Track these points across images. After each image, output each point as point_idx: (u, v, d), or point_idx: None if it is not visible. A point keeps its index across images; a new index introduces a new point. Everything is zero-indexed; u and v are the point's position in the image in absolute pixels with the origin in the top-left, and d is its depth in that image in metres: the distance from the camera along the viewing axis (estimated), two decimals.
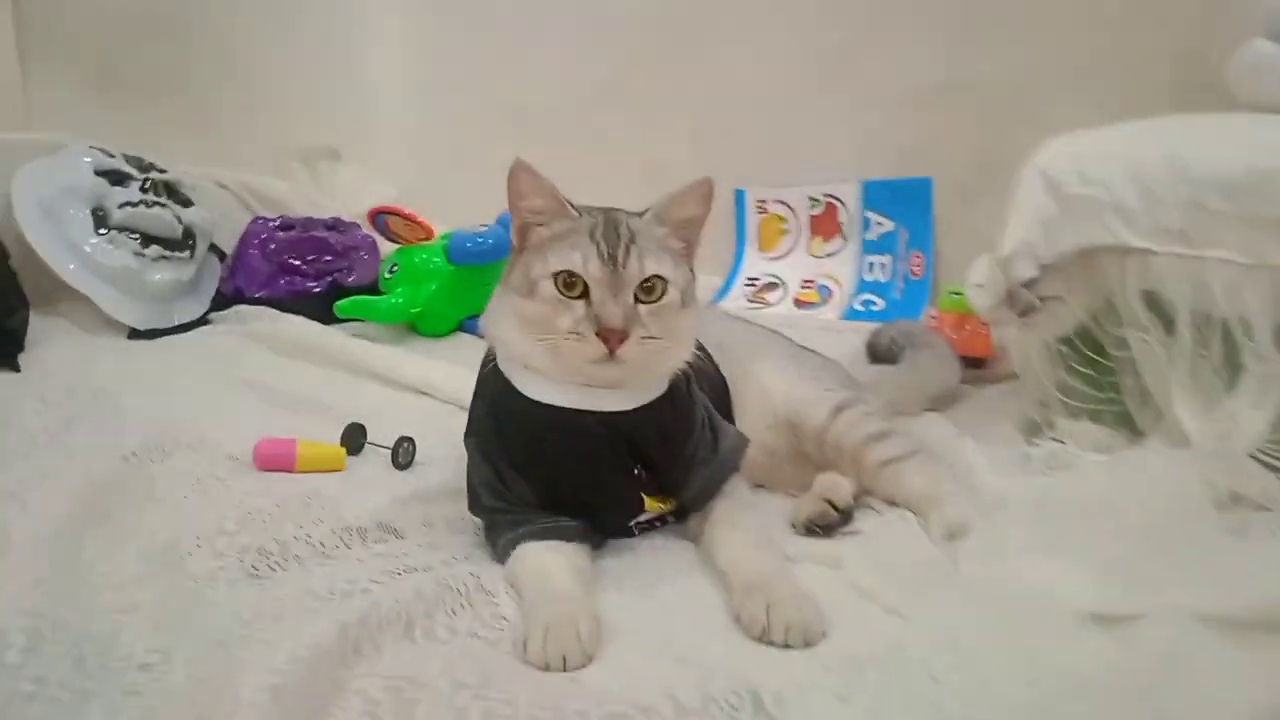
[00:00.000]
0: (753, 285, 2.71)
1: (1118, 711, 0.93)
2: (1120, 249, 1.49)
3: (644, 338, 1.20)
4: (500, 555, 1.24)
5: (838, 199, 2.66)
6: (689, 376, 1.32)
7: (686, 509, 1.35)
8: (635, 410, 1.26)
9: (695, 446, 1.32)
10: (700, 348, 1.45)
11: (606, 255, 1.19)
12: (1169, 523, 1.21)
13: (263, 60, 3.02)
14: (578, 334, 1.19)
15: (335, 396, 1.91)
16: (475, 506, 1.31)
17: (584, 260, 1.19)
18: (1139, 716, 0.93)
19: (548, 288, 1.20)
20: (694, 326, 1.29)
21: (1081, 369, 1.59)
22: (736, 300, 2.65)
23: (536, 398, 1.24)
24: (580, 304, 1.19)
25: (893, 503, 1.44)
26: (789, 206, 2.73)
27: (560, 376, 1.23)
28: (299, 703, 0.90)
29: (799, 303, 2.62)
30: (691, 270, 1.29)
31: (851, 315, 2.51)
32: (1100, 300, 1.54)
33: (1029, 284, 1.58)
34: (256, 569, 1.21)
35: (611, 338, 1.17)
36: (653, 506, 1.32)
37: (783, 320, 2.36)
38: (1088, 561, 1.16)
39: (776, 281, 2.69)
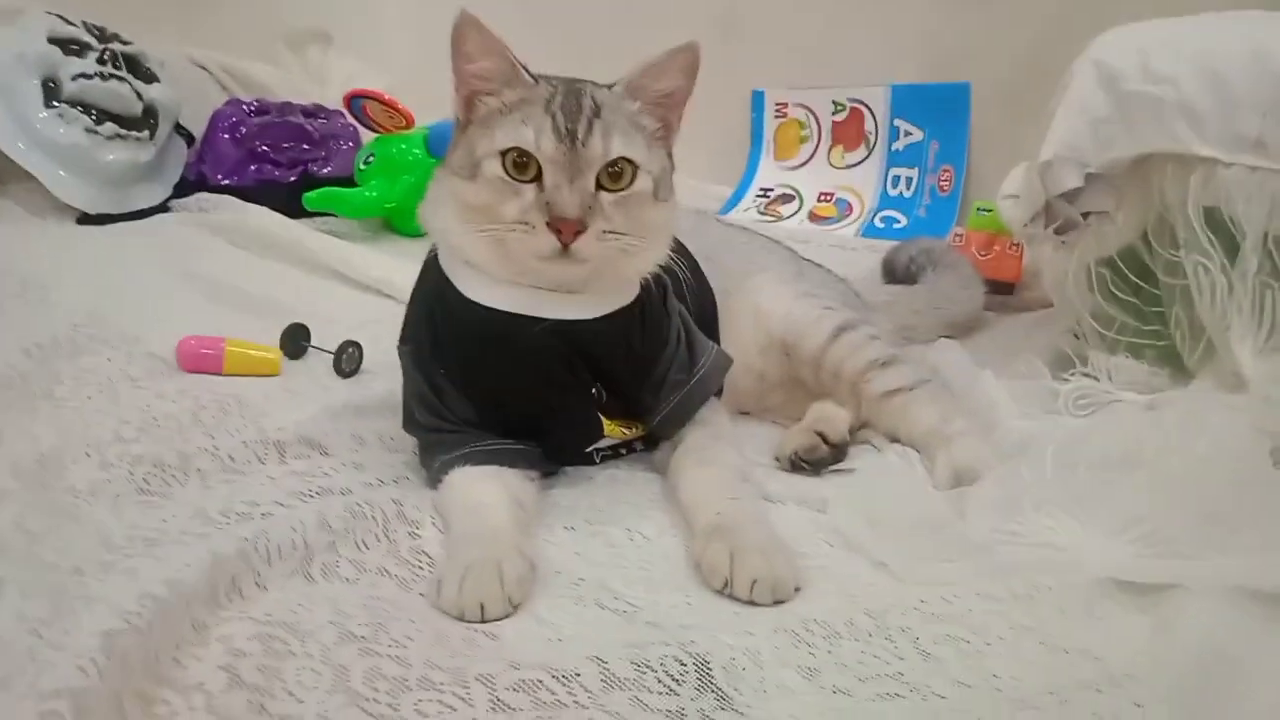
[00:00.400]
0: (765, 196, 2.49)
1: (1145, 706, 0.75)
2: (1184, 157, 1.27)
3: (606, 232, 1.00)
4: (433, 480, 1.07)
5: (865, 104, 2.42)
6: (664, 284, 1.13)
7: (655, 436, 1.17)
8: (597, 320, 1.07)
9: (667, 366, 1.14)
10: (683, 253, 1.26)
11: (564, 131, 0.99)
12: (1216, 478, 1.02)
13: None
14: (526, 224, 0.99)
15: (291, 296, 1.75)
16: (409, 424, 1.13)
17: (537, 136, 0.99)
18: (1171, 712, 0.75)
19: (493, 168, 1.00)
20: (670, 223, 1.09)
21: (1124, 296, 1.38)
22: (747, 212, 2.43)
23: (479, 300, 1.05)
24: (530, 188, 0.99)
25: (895, 439, 1.26)
26: (810, 111, 2.49)
27: (508, 275, 1.04)
28: (140, 653, 0.74)
29: (814, 217, 2.41)
30: (670, 157, 1.08)
31: (870, 232, 2.29)
32: (1153, 217, 1.33)
33: (1071, 196, 1.36)
34: (148, 484, 1.05)
35: (565, 229, 0.98)
36: (614, 432, 1.14)
37: (796, 236, 2.14)
38: (1118, 521, 0.97)
39: (792, 193, 2.47)
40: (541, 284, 1.04)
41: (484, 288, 1.05)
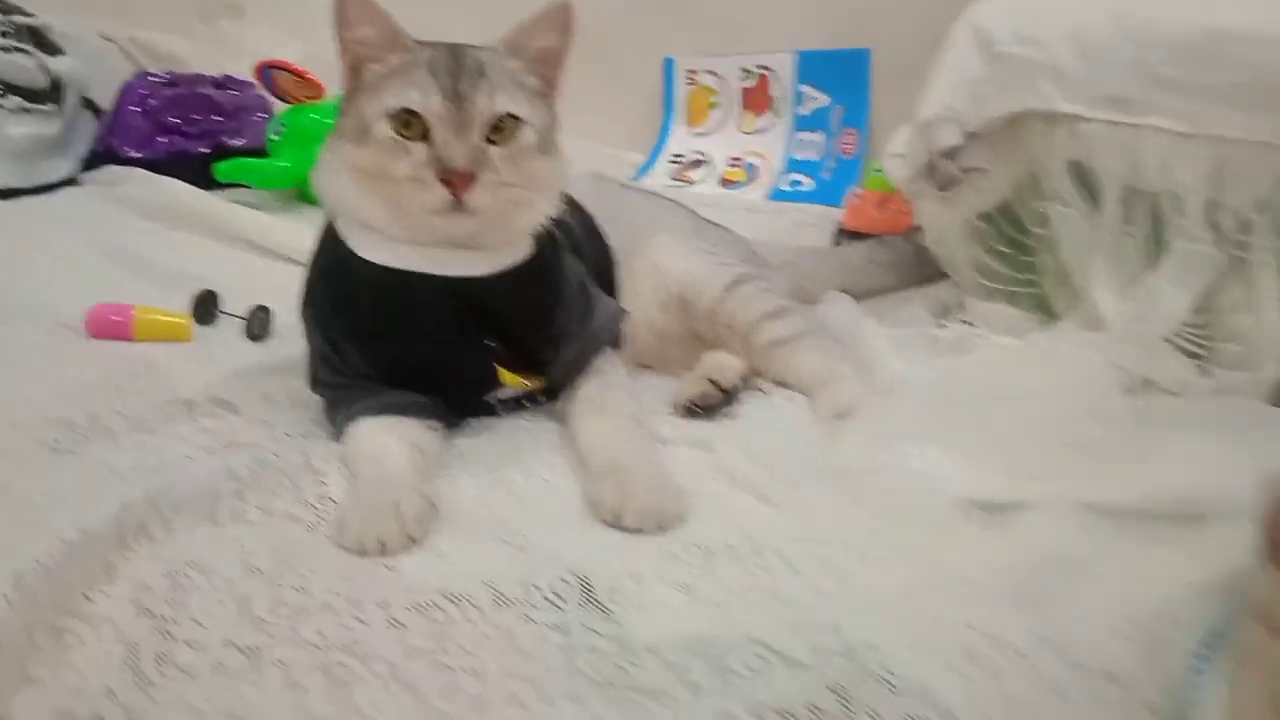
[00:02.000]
0: (678, 162, 2.54)
1: (991, 609, 0.83)
2: (1051, 115, 1.35)
3: (496, 183, 1.05)
4: (338, 434, 1.11)
5: (772, 70, 2.49)
6: (558, 241, 1.18)
7: (557, 387, 1.22)
8: (491, 276, 1.11)
9: (564, 319, 1.19)
10: (580, 212, 1.32)
11: (450, 90, 1.03)
12: (1071, 409, 1.11)
13: None
14: (418, 180, 1.03)
15: (203, 265, 1.75)
16: (314, 383, 1.17)
17: (423, 96, 1.03)
18: (1015, 616, 0.83)
19: (383, 130, 1.04)
20: (557, 176, 1.14)
21: (1001, 248, 1.47)
22: (659, 179, 2.49)
23: (374, 260, 1.09)
24: (420, 146, 1.04)
25: (784, 385, 1.33)
26: (720, 78, 2.55)
27: (405, 235, 1.08)
28: (49, 591, 0.78)
29: (725, 181, 2.47)
30: (553, 113, 1.13)
31: (778, 196, 2.36)
32: (1025, 173, 1.41)
33: (951, 154, 1.45)
34: (58, 443, 1.08)
35: (457, 181, 1.02)
36: (513, 382, 1.19)
37: (706, 200, 2.20)
38: (978, 448, 1.05)
39: (703, 158, 2.53)
40: (437, 240, 1.08)
41: (378, 248, 1.09)
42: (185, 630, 0.77)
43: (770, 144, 2.48)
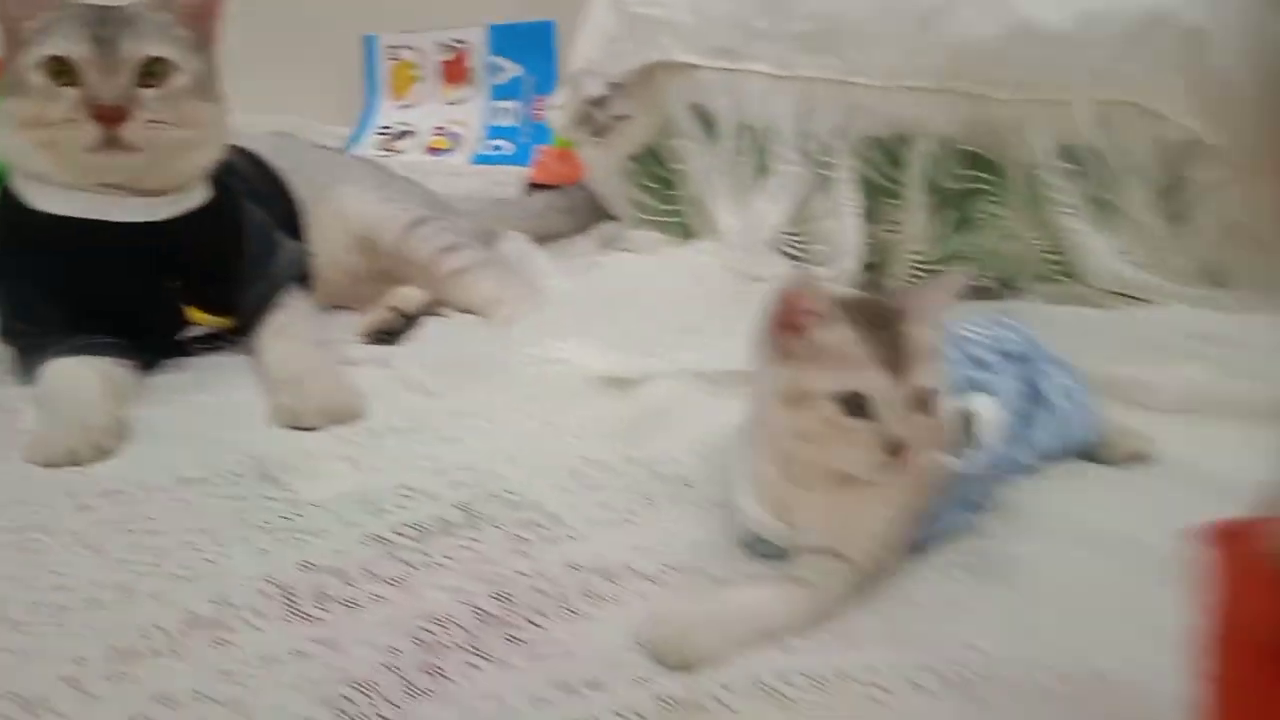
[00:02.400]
0: (385, 134, 2.67)
1: (597, 445, 1.03)
2: (675, 65, 1.59)
3: (150, 121, 1.15)
4: (30, 380, 1.19)
5: (466, 43, 2.65)
6: (234, 189, 1.30)
7: (246, 325, 1.34)
8: (171, 220, 1.22)
9: (247, 259, 1.31)
10: (261, 164, 1.44)
11: (97, 37, 1.13)
12: (693, 303, 1.34)
13: None
14: (72, 120, 1.13)
15: None
16: (5, 334, 1.24)
17: (70, 43, 1.13)
18: (616, 447, 1.03)
19: (36, 79, 1.13)
20: (220, 121, 1.26)
21: (650, 184, 1.71)
22: (367, 150, 2.59)
23: (51, 210, 1.18)
24: (73, 90, 1.13)
25: (467, 310, 1.50)
26: (420, 52, 2.69)
27: (69, 179, 1.17)
28: None
29: (430, 150, 2.62)
30: (211, 63, 1.25)
31: (480, 160, 2.54)
32: (661, 116, 1.65)
33: (600, 103, 1.66)
34: None
35: (107, 115, 1.12)
36: (201, 319, 1.30)
37: (413, 167, 2.34)
38: (614, 337, 1.27)
39: (409, 129, 2.67)
40: (101, 180, 1.18)
41: (54, 198, 1.18)
42: None
43: (470, 113, 2.65)
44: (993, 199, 1.49)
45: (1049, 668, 0.73)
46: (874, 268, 1.60)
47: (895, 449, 0.75)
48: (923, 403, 0.77)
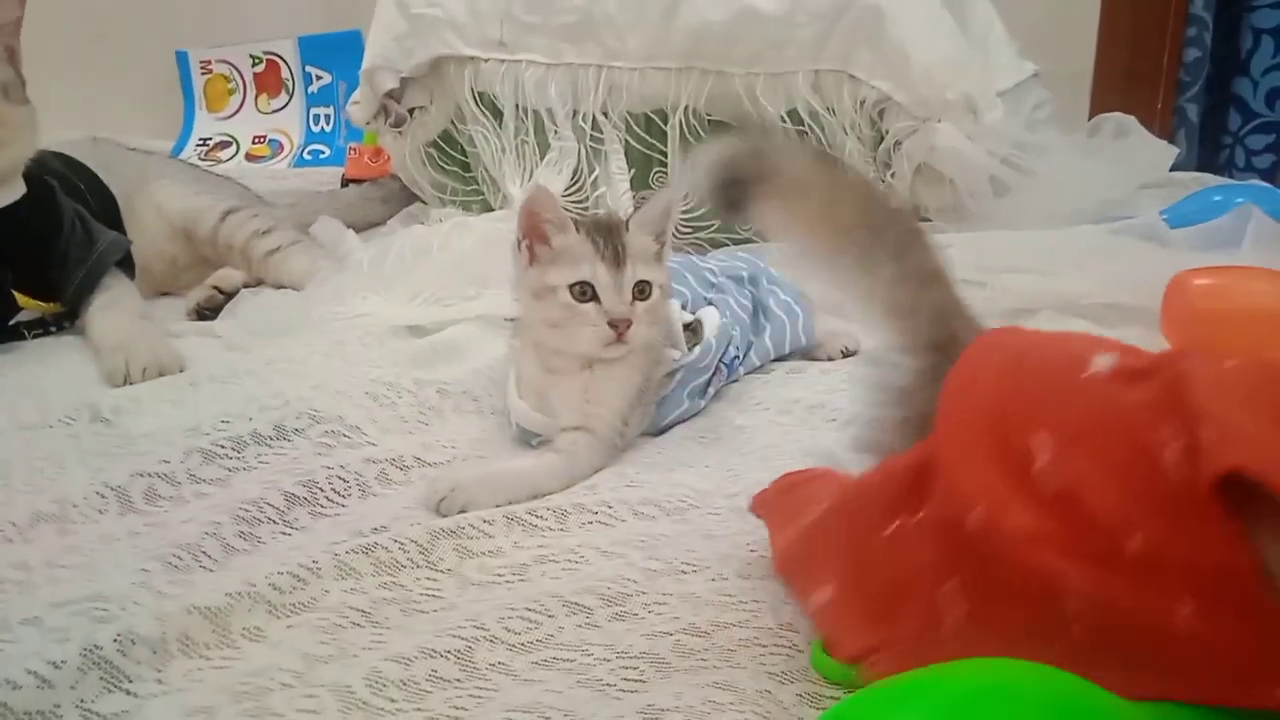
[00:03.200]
0: (205, 145, 2.77)
1: (393, 370, 1.21)
2: (459, 58, 1.79)
3: None
4: None
5: (279, 56, 2.78)
6: (49, 184, 1.43)
7: (73, 308, 1.46)
8: None
9: (65, 248, 1.43)
10: (77, 164, 1.56)
11: None
12: (478, 261, 1.53)
13: None
14: None
15: None
16: None
17: None
18: (396, 374, 1.21)
19: None
20: (30, 122, 1.40)
21: (450, 167, 1.89)
22: (189, 160, 2.70)
23: None
24: None
25: (284, 285, 1.65)
26: (233, 65, 2.81)
27: None
28: None
29: (250, 157, 2.74)
30: (16, 72, 1.37)
31: (301, 163, 2.68)
32: (453, 105, 1.84)
33: (397, 95, 1.84)
34: None
35: None
36: (31, 305, 1.42)
37: (234, 174, 2.46)
38: (410, 291, 1.45)
39: (229, 140, 2.78)
40: None
41: None
42: None
43: (288, 120, 2.78)
44: None
45: (742, 495, 0.95)
46: None
47: (615, 324, 0.98)
48: (640, 290, 1.00)
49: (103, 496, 0.94)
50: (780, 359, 1.29)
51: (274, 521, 0.92)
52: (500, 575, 0.83)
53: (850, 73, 1.61)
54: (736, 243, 1.74)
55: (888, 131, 1.63)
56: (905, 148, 1.60)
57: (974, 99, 1.57)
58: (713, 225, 1.76)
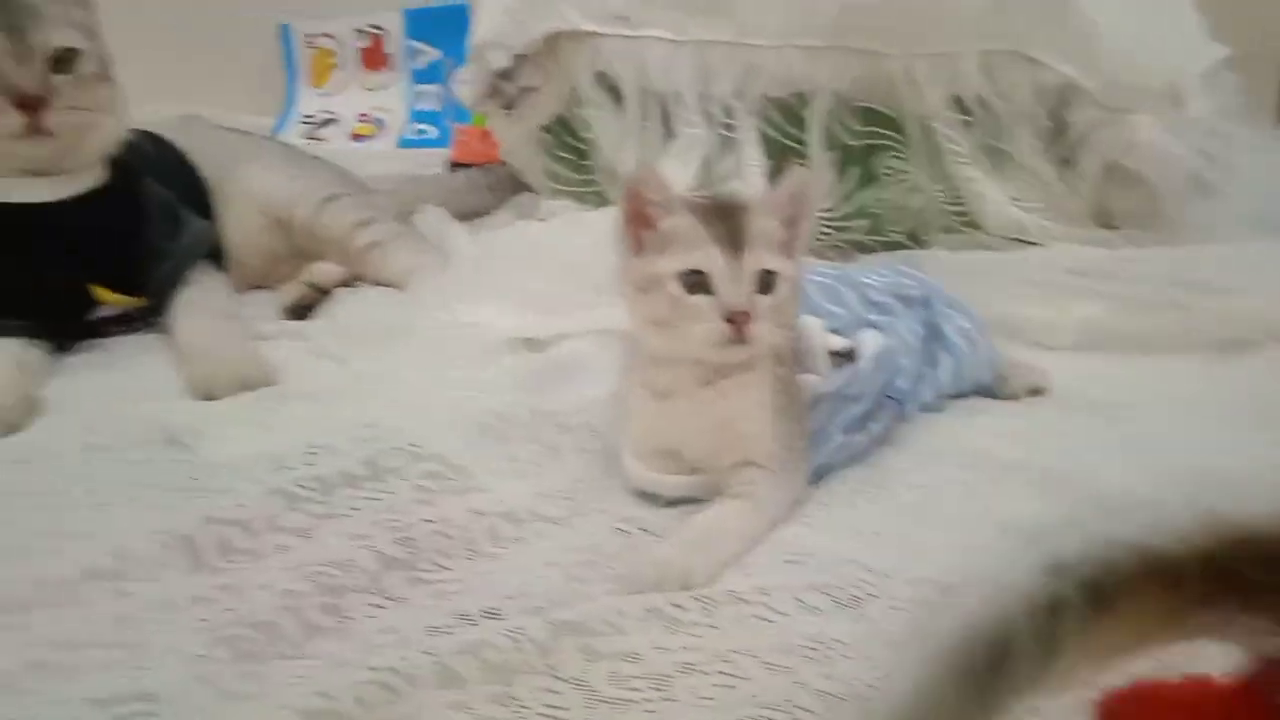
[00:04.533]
0: (310, 123, 2.65)
1: (506, 398, 1.06)
2: (576, 34, 1.61)
3: (69, 107, 1.17)
4: None
5: (383, 29, 2.65)
6: (135, 168, 1.30)
7: (157, 303, 1.34)
8: (71, 200, 1.22)
9: (152, 236, 1.31)
10: (166, 144, 1.44)
11: (6, 26, 1.14)
12: (596, 264, 1.36)
13: None
14: None
15: None
16: None
17: None
18: (524, 399, 1.06)
19: None
20: (121, 101, 1.27)
21: (563, 154, 1.72)
22: (291, 139, 2.58)
23: None
24: None
25: (383, 283, 1.51)
26: (336, 39, 2.68)
27: None
28: None
29: (356, 136, 2.61)
30: (105, 49, 1.25)
31: (406, 143, 2.54)
32: (568, 87, 1.67)
33: (508, 75, 1.68)
34: None
35: (31, 105, 1.15)
36: (111, 299, 1.30)
37: (338, 154, 2.33)
38: (520, 298, 1.29)
39: (333, 117, 2.65)
40: (16, 167, 1.18)
41: None
42: None
43: (393, 98, 2.64)
44: (894, 154, 1.54)
45: (932, 581, 0.76)
46: None
47: (732, 317, 0.80)
48: (763, 282, 0.83)
49: (168, 548, 0.80)
50: (956, 395, 1.09)
51: (364, 590, 0.77)
52: (636, 689, 0.66)
53: (1028, 54, 1.38)
54: (888, 247, 1.54)
55: (1071, 123, 1.40)
56: (1093, 143, 1.37)
57: (1179, 86, 1.34)
58: (857, 226, 1.56)
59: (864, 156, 1.54)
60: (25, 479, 0.92)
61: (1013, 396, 1.10)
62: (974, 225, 1.49)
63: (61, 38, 1.17)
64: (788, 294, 0.85)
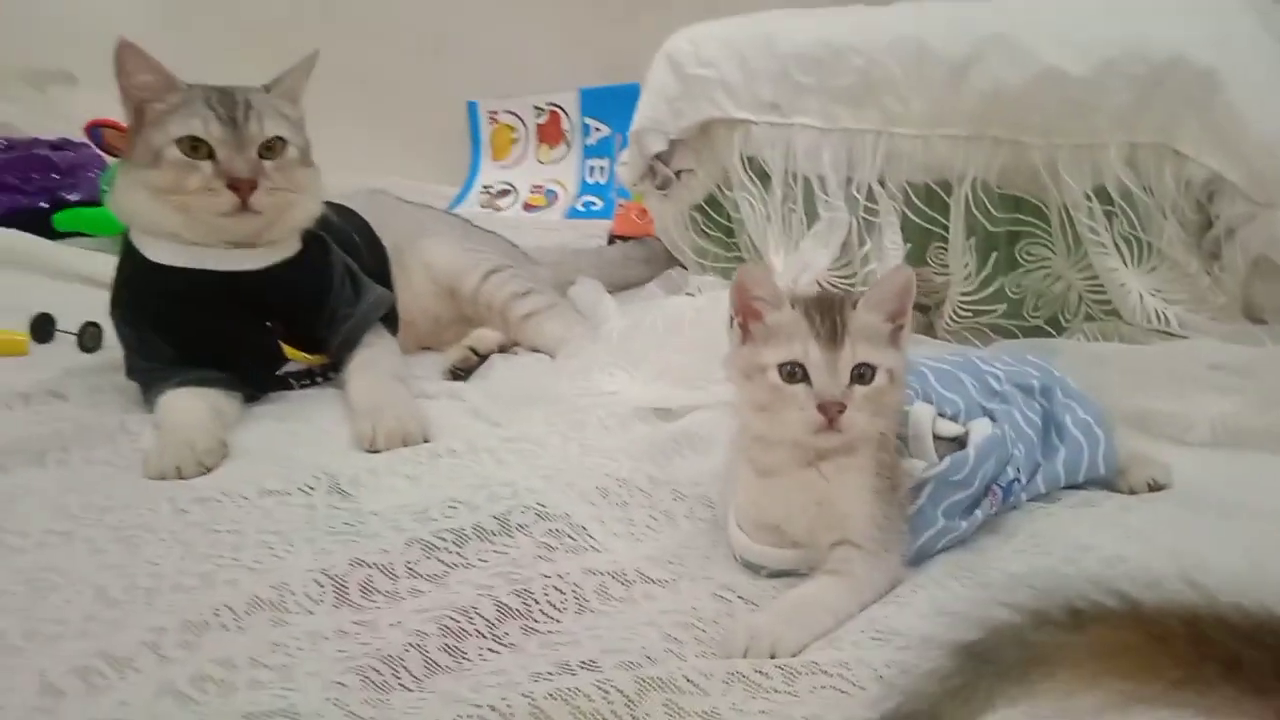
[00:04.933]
0: (487, 193, 2.86)
1: (629, 465, 1.14)
2: (729, 121, 1.71)
3: (272, 189, 1.34)
4: (151, 408, 1.36)
5: (560, 107, 2.83)
6: (324, 240, 1.47)
7: (336, 361, 1.49)
8: (266, 268, 1.39)
9: (334, 301, 1.47)
10: (353, 215, 1.61)
11: (226, 117, 1.32)
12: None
13: None
14: (209, 190, 1.31)
15: (45, 299, 1.96)
16: (129, 371, 1.42)
17: (204, 124, 1.31)
18: (645, 468, 1.14)
19: (173, 153, 1.32)
20: (317, 183, 1.43)
21: (713, 232, 1.82)
22: (472, 207, 2.79)
23: (163, 262, 1.36)
24: (208, 163, 1.32)
25: (538, 349, 1.63)
26: (517, 116, 2.89)
27: (195, 238, 1.35)
28: None
29: (528, 206, 2.80)
30: (306, 134, 1.42)
31: (573, 214, 2.71)
32: (720, 169, 1.76)
33: (663, 158, 1.79)
34: None
35: (242, 187, 1.31)
36: (298, 357, 1.46)
37: (510, 223, 2.54)
38: (656, 369, 1.37)
39: (509, 188, 2.85)
40: (227, 238, 1.36)
41: (166, 251, 1.36)
42: (13, 524, 1.02)
43: (565, 171, 2.82)
44: (1036, 240, 1.55)
45: None
46: (925, 309, 1.67)
47: (825, 407, 0.87)
48: (859, 374, 0.89)
49: (320, 585, 0.92)
50: (1072, 486, 1.10)
51: (482, 635, 0.87)
52: None
53: (1174, 146, 1.38)
54: (1026, 332, 1.55)
55: (1218, 216, 1.39)
56: (1240, 237, 1.36)
57: None
58: (996, 310, 1.58)
59: (1005, 242, 1.56)
60: (213, 516, 1.06)
61: (1132, 490, 1.10)
62: (1115, 314, 1.48)
63: (272, 129, 1.35)
64: (886, 384, 0.90)
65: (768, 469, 0.94)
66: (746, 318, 0.92)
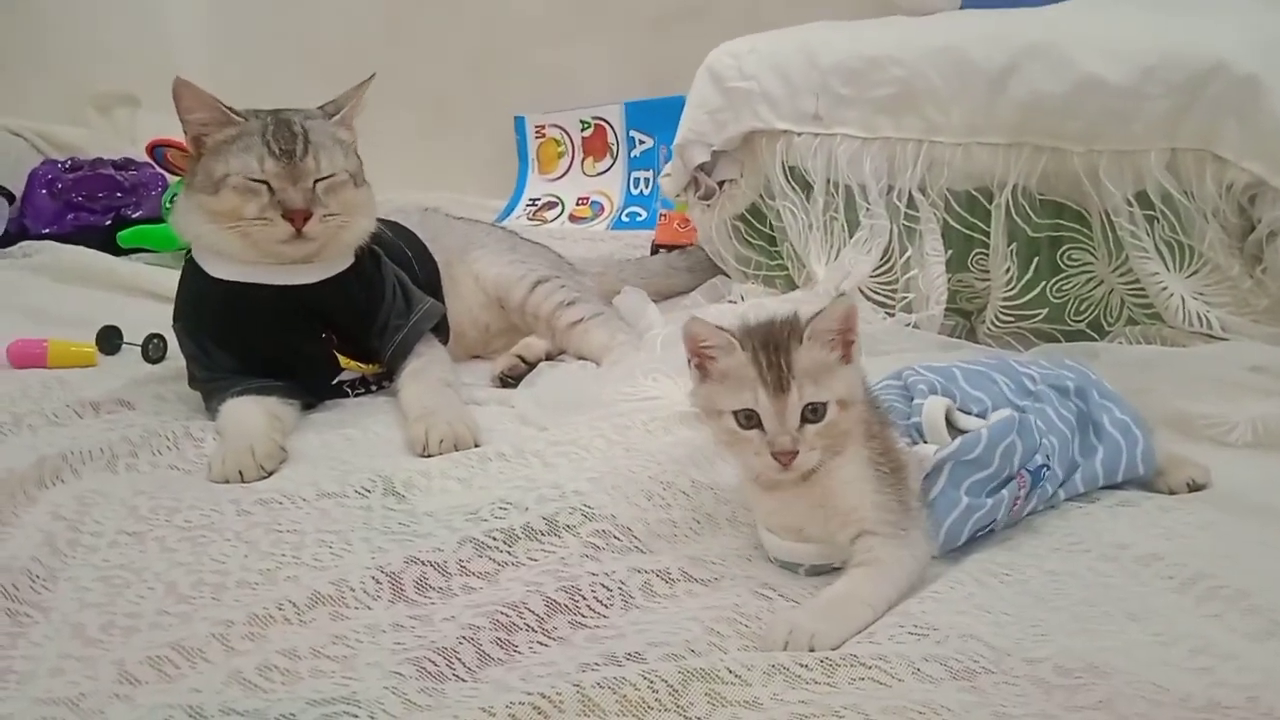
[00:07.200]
0: (534, 205, 2.91)
1: (671, 469, 1.17)
2: (771, 132, 1.74)
3: (325, 215, 1.39)
4: (213, 415, 1.42)
5: (605, 120, 2.88)
6: (376, 253, 1.52)
7: (390, 370, 1.54)
8: (321, 282, 1.45)
9: (387, 314, 1.52)
10: (404, 231, 1.66)
11: (281, 152, 1.37)
12: None
13: (55, 4, 3.10)
14: (265, 219, 1.37)
15: (109, 314, 2.04)
16: (191, 381, 1.48)
17: (260, 164, 1.37)
18: (685, 470, 1.16)
19: (231, 184, 1.38)
20: (369, 203, 1.49)
21: (755, 241, 1.85)
22: (518, 220, 2.85)
23: (223, 277, 1.42)
24: (263, 189, 1.37)
25: (583, 357, 1.67)
26: (564, 130, 2.94)
27: (252, 259, 1.41)
28: None
29: (574, 218, 2.85)
30: (358, 157, 1.48)
31: (618, 225, 2.75)
32: (762, 179, 1.79)
33: (706, 169, 1.82)
34: None
35: (297, 218, 1.37)
36: (352, 366, 1.51)
37: (556, 234, 2.59)
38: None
39: (555, 200, 2.90)
40: (283, 260, 1.42)
41: (226, 268, 1.43)
42: (88, 525, 1.08)
43: (610, 183, 2.87)
44: (1078, 245, 1.56)
45: (1048, 662, 0.81)
46: (968, 314, 1.69)
47: (778, 456, 0.91)
48: (812, 411, 0.92)
49: (377, 582, 0.96)
50: (1110, 486, 1.11)
51: (532, 629, 0.90)
52: None
53: (1215, 152, 1.39)
54: (1068, 337, 1.56)
55: (1260, 220, 1.39)
56: None
57: None
58: (1038, 314, 1.59)
59: (1047, 247, 1.57)
60: (273, 517, 1.11)
61: (1171, 491, 1.11)
62: (1158, 317, 1.49)
63: (328, 165, 1.40)
64: (836, 415, 0.92)
65: (767, 484, 0.97)
66: (702, 360, 0.96)
